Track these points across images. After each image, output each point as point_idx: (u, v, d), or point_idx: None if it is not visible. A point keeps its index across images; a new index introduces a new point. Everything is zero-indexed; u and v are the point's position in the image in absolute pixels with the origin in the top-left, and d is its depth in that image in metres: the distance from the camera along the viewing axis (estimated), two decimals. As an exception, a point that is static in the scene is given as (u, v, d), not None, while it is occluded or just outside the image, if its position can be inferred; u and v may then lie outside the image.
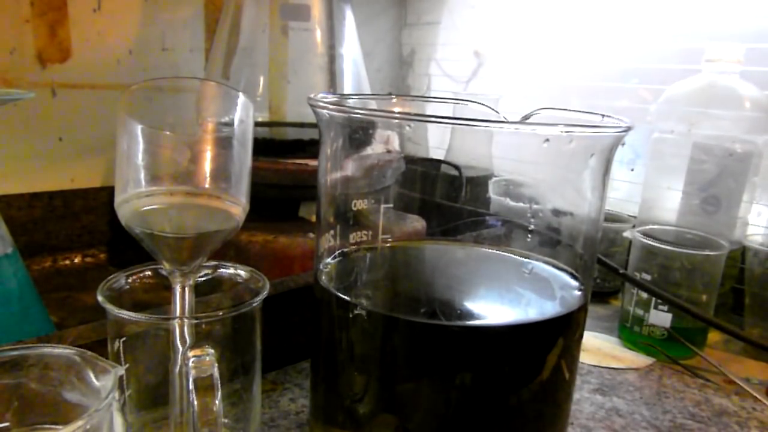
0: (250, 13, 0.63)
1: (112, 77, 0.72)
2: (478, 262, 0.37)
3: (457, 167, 0.83)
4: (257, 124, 0.63)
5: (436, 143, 1.03)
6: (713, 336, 0.56)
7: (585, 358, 0.53)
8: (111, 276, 0.32)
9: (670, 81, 0.62)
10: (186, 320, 0.29)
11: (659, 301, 0.52)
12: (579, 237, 0.33)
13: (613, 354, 0.54)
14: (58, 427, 0.25)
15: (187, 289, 0.30)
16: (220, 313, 0.30)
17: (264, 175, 0.54)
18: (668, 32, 0.71)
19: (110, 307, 0.29)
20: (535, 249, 0.34)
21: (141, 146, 0.27)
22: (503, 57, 0.91)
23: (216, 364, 0.28)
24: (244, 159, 0.29)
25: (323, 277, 0.32)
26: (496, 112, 0.37)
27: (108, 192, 0.72)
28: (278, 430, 0.39)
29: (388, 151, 0.62)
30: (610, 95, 0.77)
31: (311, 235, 0.54)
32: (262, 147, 0.57)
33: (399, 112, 0.36)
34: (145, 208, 0.28)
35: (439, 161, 0.90)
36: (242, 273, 0.35)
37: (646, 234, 0.54)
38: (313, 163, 0.56)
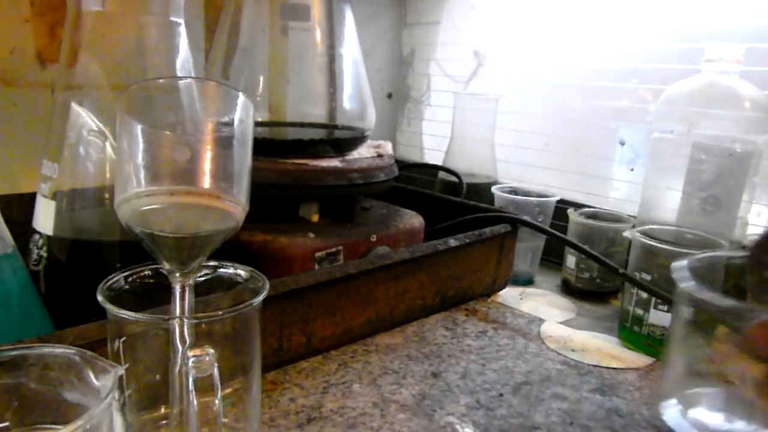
0: (249, 13, 0.63)
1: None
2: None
3: (456, 174, 0.82)
4: (257, 124, 0.63)
5: (434, 145, 1.03)
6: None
7: (585, 357, 0.53)
8: (111, 276, 0.32)
9: (670, 81, 0.62)
10: (186, 320, 0.29)
11: (659, 300, 0.52)
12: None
13: (613, 354, 0.54)
14: (58, 427, 0.25)
15: (187, 289, 0.30)
16: (220, 313, 0.30)
17: (264, 175, 0.54)
18: (668, 32, 0.71)
19: (110, 307, 0.29)
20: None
21: (141, 146, 0.27)
22: (503, 57, 0.91)
23: (216, 364, 0.28)
24: (244, 159, 0.29)
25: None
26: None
27: (108, 192, 0.71)
28: (278, 430, 0.39)
29: (380, 156, 0.62)
30: (610, 95, 0.77)
31: (311, 235, 0.54)
32: (262, 147, 0.57)
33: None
34: (145, 208, 0.28)
35: (436, 167, 0.89)
36: (242, 273, 0.35)
37: (645, 234, 0.54)
38: (313, 163, 0.56)
